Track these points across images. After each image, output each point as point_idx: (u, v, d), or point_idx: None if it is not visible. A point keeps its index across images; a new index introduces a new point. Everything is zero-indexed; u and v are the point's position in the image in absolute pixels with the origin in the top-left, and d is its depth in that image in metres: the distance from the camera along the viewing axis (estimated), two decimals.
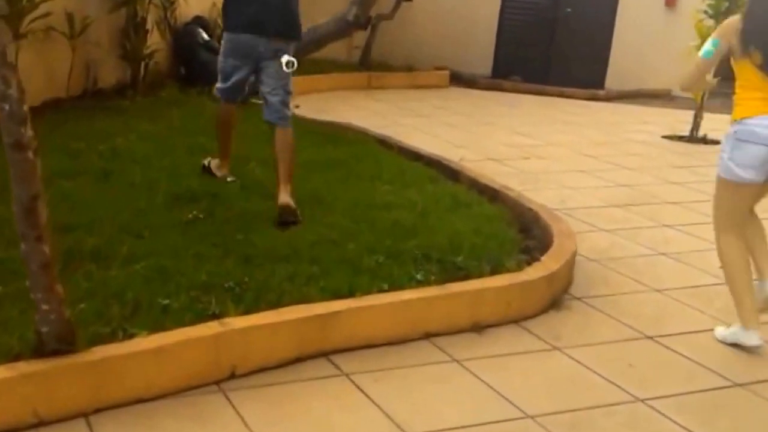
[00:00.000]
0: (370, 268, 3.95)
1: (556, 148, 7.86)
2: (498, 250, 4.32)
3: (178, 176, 5.19)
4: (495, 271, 4.07)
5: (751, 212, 3.91)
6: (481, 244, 4.37)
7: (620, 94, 11.92)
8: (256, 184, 5.19)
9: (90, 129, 6.19)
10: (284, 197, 4.64)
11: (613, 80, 12.33)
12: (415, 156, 6.42)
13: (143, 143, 5.90)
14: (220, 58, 5.09)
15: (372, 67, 11.57)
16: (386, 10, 11.36)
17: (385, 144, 6.76)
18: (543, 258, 4.23)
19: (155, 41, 8.19)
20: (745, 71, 3.73)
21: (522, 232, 4.83)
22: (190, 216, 4.48)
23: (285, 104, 5.07)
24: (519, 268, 4.13)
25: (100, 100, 7.37)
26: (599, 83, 12.29)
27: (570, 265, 4.34)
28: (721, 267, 3.94)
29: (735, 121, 3.74)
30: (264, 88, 5.03)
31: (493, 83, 12.22)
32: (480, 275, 4.00)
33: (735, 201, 3.81)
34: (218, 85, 5.22)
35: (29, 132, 2.75)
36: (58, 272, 3.61)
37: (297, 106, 8.06)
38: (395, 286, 3.78)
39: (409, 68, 11.83)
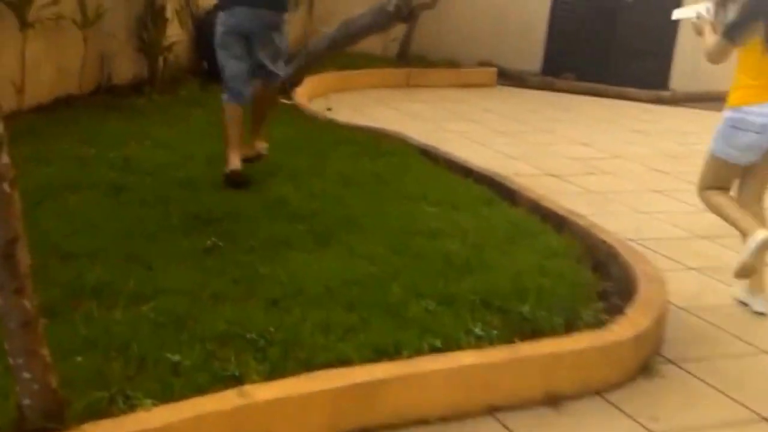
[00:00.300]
0: (419, 318, 3.52)
1: (624, 162, 7.36)
2: (571, 296, 3.86)
3: (195, 191, 4.80)
4: (570, 325, 3.61)
5: (759, 205, 4.32)
6: (550, 287, 3.91)
7: (688, 96, 11.31)
8: (282, 202, 4.77)
9: (101, 132, 5.83)
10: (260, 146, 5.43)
11: (678, 79, 11.72)
12: (465, 171, 5.97)
13: (158, 151, 5.53)
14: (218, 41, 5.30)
15: (411, 62, 11.09)
16: None
17: (429, 155, 6.32)
18: (628, 310, 3.75)
19: (175, 32, 7.83)
20: (747, 57, 4.09)
21: (596, 270, 4.37)
22: (208, 243, 4.08)
23: (281, 67, 5.51)
24: (599, 322, 3.66)
25: (114, 98, 7.02)
26: (662, 82, 11.72)
27: (661, 319, 3.86)
28: (714, 213, 4.36)
29: (731, 107, 4.15)
30: (259, 54, 5.29)
31: (543, 82, 11.71)
32: (552, 331, 3.55)
33: (721, 175, 4.30)
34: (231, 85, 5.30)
35: (5, 159, 2.34)
36: (56, 311, 3.28)
37: (329, 109, 7.70)
38: (450, 344, 3.34)
39: (452, 64, 11.35)
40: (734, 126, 4.11)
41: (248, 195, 4.85)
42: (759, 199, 4.36)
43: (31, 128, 5.68)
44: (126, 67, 7.43)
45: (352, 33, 7.23)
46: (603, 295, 4.02)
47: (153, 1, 7.35)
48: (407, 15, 7.06)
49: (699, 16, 4.41)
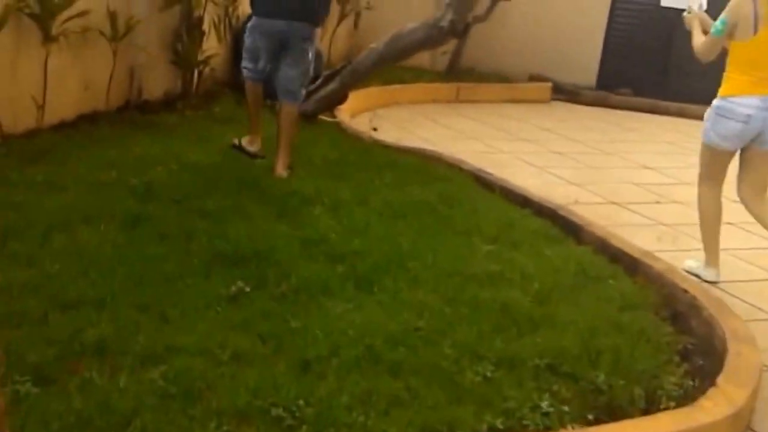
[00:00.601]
0: (476, 388, 2.99)
1: (693, 189, 6.69)
2: (652, 359, 3.30)
3: (222, 222, 4.32)
4: (651, 398, 3.05)
5: (765, 192, 4.55)
6: (627, 348, 3.36)
7: None
8: (320, 238, 4.26)
9: (125, 153, 5.38)
10: (279, 169, 5.34)
11: None
12: (523, 200, 5.41)
13: (185, 176, 5.06)
14: (247, 38, 5.65)
15: (461, 75, 10.56)
16: (479, 10, 10.38)
17: (482, 182, 5.77)
18: (719, 380, 3.17)
19: (212, 44, 7.38)
20: (741, 52, 4.32)
21: (674, 322, 3.79)
22: (233, 289, 3.58)
23: (296, 82, 5.56)
24: (685, 393, 3.09)
25: (143, 115, 6.59)
26: None
27: (757, 390, 3.26)
28: (699, 212, 4.66)
29: (720, 97, 4.38)
30: (283, 62, 5.51)
31: (599, 97, 11.07)
32: (631, 404, 3.00)
33: (713, 162, 4.55)
34: (245, 64, 5.69)
35: None
36: (50, 377, 2.79)
37: (375, 129, 7.19)
38: (512, 423, 2.80)
39: (504, 78, 10.79)
40: (721, 114, 4.37)
41: (282, 229, 4.34)
42: (761, 192, 4.59)
43: (51, 148, 5.27)
44: (158, 82, 7.00)
45: (401, 49, 6.70)
46: (684, 354, 3.44)
47: (189, 12, 6.89)
48: (462, 31, 6.52)
49: (690, 11, 4.66)
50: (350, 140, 6.60)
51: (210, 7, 7.19)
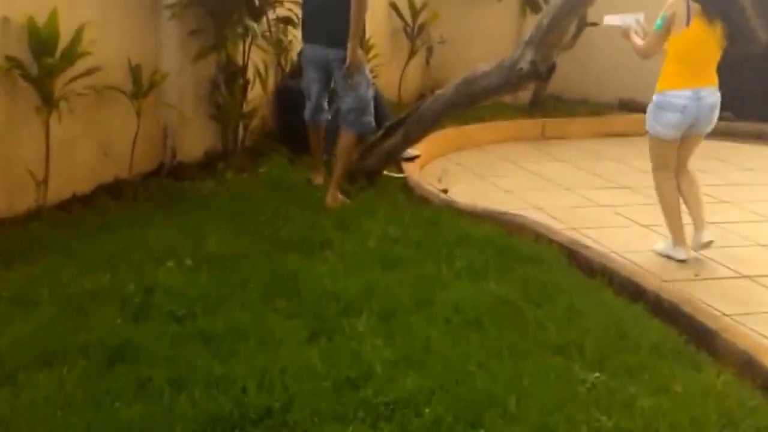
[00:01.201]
0: None
1: None
2: None
3: (229, 359, 3.11)
4: None
5: (685, 167, 4.92)
6: None
7: None
8: (361, 374, 3.02)
9: (134, 242, 4.26)
10: (328, 200, 5.16)
11: None
12: (634, 290, 4.06)
13: (201, 276, 3.87)
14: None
15: (546, 109, 9.18)
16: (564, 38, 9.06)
17: (579, 261, 4.44)
18: None
19: (258, 94, 6.25)
20: (676, 46, 4.60)
21: None
22: None
23: (352, 111, 5.30)
24: None
25: (177, 181, 5.50)
26: None
27: None
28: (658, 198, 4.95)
29: (658, 92, 4.70)
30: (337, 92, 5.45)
31: None
32: None
33: (662, 151, 4.86)
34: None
35: None
36: None
37: (445, 192, 5.92)
38: None
39: (595, 109, 9.37)
40: (661, 107, 4.64)
41: (312, 360, 3.11)
42: (683, 165, 4.90)
43: (43, 238, 4.22)
44: (196, 141, 5.90)
45: (473, 95, 5.44)
46: None
47: (229, 59, 5.77)
48: (547, 73, 5.21)
49: (626, 27, 4.92)
50: (416, 206, 5.34)
51: (255, 52, 6.06)
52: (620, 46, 9.62)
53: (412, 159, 6.27)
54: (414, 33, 8.63)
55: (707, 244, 4.78)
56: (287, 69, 6.65)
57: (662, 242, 4.91)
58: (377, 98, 6.58)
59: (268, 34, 6.07)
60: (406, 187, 5.78)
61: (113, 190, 5.19)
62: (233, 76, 5.84)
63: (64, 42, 4.51)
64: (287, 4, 6.10)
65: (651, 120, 4.76)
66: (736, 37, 4.54)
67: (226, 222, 4.70)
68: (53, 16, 4.43)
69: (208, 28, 5.64)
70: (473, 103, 5.68)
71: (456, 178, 6.61)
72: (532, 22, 9.02)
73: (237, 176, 5.67)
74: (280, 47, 6.31)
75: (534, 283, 4.00)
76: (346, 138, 5.34)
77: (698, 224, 4.82)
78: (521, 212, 5.47)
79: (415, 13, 8.60)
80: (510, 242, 4.61)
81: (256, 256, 4.16)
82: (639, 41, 4.81)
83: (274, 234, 4.49)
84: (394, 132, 5.82)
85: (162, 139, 5.70)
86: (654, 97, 4.71)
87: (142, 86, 5.18)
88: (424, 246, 4.46)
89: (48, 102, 4.51)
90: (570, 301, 3.82)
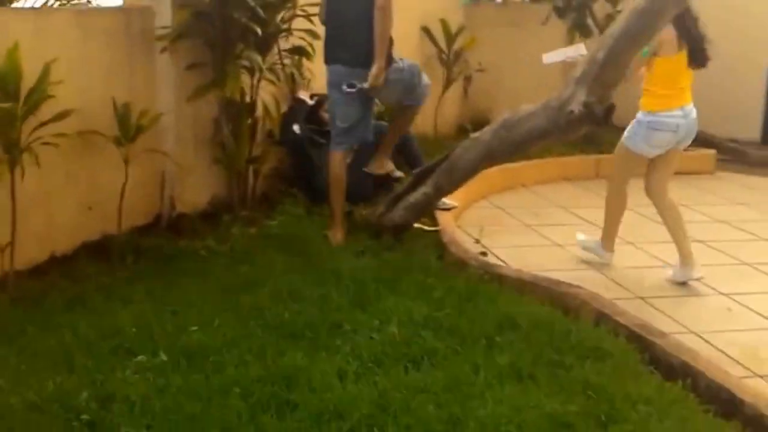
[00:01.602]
0: None
1: None
2: None
3: None
4: None
5: (667, 194, 4.88)
6: None
7: None
8: None
9: (101, 324, 3.48)
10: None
11: None
12: (728, 402, 3.13)
13: (171, 379, 3.04)
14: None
15: (600, 142, 8.21)
16: None
17: (654, 357, 3.51)
18: None
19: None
20: (665, 70, 4.62)
21: None
22: None
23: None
24: None
25: (175, 235, 4.75)
26: None
27: None
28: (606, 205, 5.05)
29: (649, 112, 4.68)
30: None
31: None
32: None
33: (632, 165, 4.87)
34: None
35: None
36: None
37: (484, 255, 5.03)
38: None
39: None
40: (654, 128, 4.67)
41: None
42: (665, 185, 4.89)
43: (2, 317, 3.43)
44: (198, 189, 5.12)
45: (515, 141, 4.56)
46: None
47: (233, 98, 4.94)
48: (604, 116, 4.32)
49: (572, 60, 4.92)
50: (450, 270, 4.47)
51: (267, 87, 5.27)
52: None
53: (447, 209, 5.41)
54: (450, 60, 7.78)
55: (697, 280, 4.75)
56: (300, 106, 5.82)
57: (584, 235, 5.16)
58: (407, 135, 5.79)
59: (279, 66, 5.26)
60: (439, 244, 4.91)
61: (99, 249, 4.44)
62: (238, 115, 5.03)
63: (30, 82, 3.77)
64: (299, 33, 5.27)
65: (638, 139, 4.73)
66: (696, 58, 4.69)
67: (220, 297, 3.88)
68: (13, 52, 3.68)
69: (207, 61, 4.86)
70: (515, 151, 4.81)
71: (498, 227, 5.72)
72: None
73: (244, 231, 4.86)
74: (293, 82, 5.49)
75: (597, 390, 3.10)
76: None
77: (688, 258, 4.77)
78: (577, 275, 4.59)
79: (450, 38, 7.76)
80: (565, 326, 3.70)
81: (248, 348, 3.32)
82: None
83: (275, 315, 3.65)
84: (423, 181, 4.97)
85: (159, 187, 4.93)
86: (643, 118, 4.71)
87: (129, 130, 4.41)
88: (457, 333, 3.57)
89: (11, 152, 3.75)
90: (645, 421, 2.91)
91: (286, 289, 3.96)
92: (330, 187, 4.93)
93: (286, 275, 4.17)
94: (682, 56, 4.65)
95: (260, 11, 4.70)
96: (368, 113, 4.96)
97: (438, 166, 4.92)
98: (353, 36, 4.70)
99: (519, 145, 4.61)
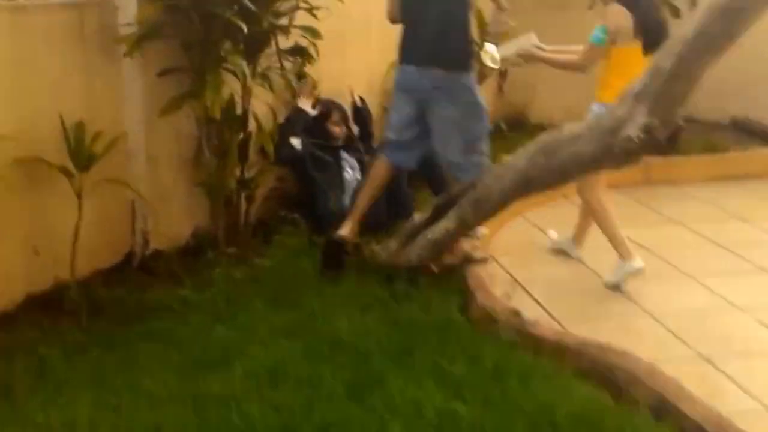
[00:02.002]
0: None
1: None
2: None
3: None
4: None
5: (597, 194, 4.48)
6: None
7: None
8: None
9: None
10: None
11: None
12: None
13: None
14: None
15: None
16: None
17: None
18: None
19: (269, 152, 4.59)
20: (622, 57, 4.24)
21: None
22: None
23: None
24: None
25: (142, 281, 3.94)
26: None
27: None
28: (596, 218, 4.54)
29: (606, 104, 4.01)
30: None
31: None
32: None
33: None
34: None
35: None
36: None
37: (517, 314, 4.10)
38: None
39: (710, 147, 7.38)
40: None
41: None
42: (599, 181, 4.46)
43: None
44: (177, 219, 4.30)
45: (556, 169, 3.63)
46: None
47: (218, 111, 4.04)
48: (669, 141, 3.38)
49: (525, 50, 4.42)
50: (474, 331, 3.60)
51: (262, 93, 4.40)
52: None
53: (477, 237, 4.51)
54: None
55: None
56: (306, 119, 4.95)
57: (618, 267, 4.42)
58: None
59: (277, 70, 4.40)
60: (462, 292, 4.03)
61: (49, 302, 3.65)
62: (225, 130, 4.19)
63: None
64: (296, 29, 4.40)
65: None
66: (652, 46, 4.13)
67: (182, 380, 3.06)
68: None
69: (185, 66, 4.02)
70: (557, 181, 3.88)
71: (534, 253, 4.88)
72: None
73: (229, 273, 4.03)
74: (292, 89, 4.63)
75: None
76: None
77: (626, 254, 4.41)
78: (626, 321, 3.86)
79: (483, 26, 6.82)
80: (617, 422, 2.83)
81: None
82: (566, 56, 4.51)
83: (245, 412, 2.82)
84: (445, 213, 4.08)
85: (130, 220, 4.12)
86: (599, 110, 4.20)
87: (81, 156, 3.59)
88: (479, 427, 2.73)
89: None
90: None
91: (267, 365, 3.13)
92: (363, 183, 4.39)
93: (271, 342, 3.34)
94: (638, 44, 4.27)
95: (249, 4, 3.83)
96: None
97: (463, 195, 4.03)
98: (442, 30, 4.08)
99: (561, 174, 3.70)
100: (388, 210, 4.73)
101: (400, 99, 4.25)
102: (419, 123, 4.22)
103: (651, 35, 4.24)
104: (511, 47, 4.43)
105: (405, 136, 4.27)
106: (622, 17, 4.26)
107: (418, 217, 4.55)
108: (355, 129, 5.22)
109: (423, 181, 5.01)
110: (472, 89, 4.21)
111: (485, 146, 4.32)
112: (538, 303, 4.14)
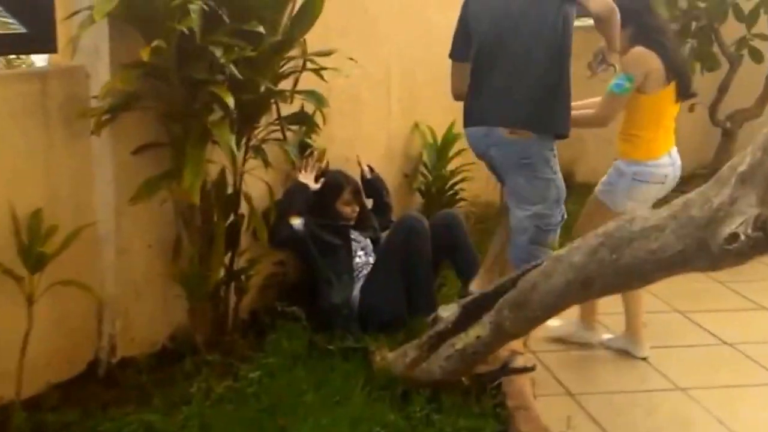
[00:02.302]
0: None
1: None
2: None
3: None
4: None
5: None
6: None
7: None
8: None
9: None
10: None
11: None
12: None
13: None
14: None
15: None
16: (746, 100, 6.48)
17: None
18: None
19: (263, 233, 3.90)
20: (649, 106, 3.85)
21: None
22: None
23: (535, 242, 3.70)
24: None
25: (103, 397, 3.28)
26: None
27: None
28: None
29: (632, 161, 3.90)
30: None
31: None
32: None
33: (599, 223, 3.48)
34: None
35: None
36: None
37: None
38: None
39: None
40: (640, 180, 3.91)
41: None
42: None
43: None
44: (152, 321, 3.61)
45: (628, 268, 2.82)
46: None
47: (197, 199, 3.30)
48: None
49: None
50: None
51: (258, 166, 3.74)
52: None
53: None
54: None
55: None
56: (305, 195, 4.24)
57: (609, 334, 4.26)
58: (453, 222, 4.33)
59: (278, 140, 3.75)
60: (499, 416, 3.29)
61: None
62: (208, 214, 3.52)
63: None
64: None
65: (618, 194, 3.93)
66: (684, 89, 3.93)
67: None
68: None
69: (164, 140, 3.38)
70: (628, 283, 3.10)
71: (585, 355, 4.14)
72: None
73: (209, 388, 3.33)
74: (292, 162, 3.97)
75: None
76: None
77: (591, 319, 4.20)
78: None
79: None
80: None
81: None
82: (579, 112, 3.96)
83: None
84: (477, 316, 3.35)
85: (95, 323, 3.46)
86: (626, 168, 3.93)
87: (33, 252, 2.96)
88: None
89: None
90: None
91: None
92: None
93: None
94: (670, 91, 3.88)
95: (235, 70, 3.18)
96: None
97: (500, 295, 3.29)
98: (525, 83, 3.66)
99: (633, 276, 2.94)
100: (408, 301, 4.06)
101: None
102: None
103: (684, 79, 3.92)
104: None
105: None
106: (651, 60, 3.82)
107: (443, 311, 3.90)
108: (369, 202, 4.54)
109: (445, 257, 4.33)
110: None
111: (551, 237, 3.71)
112: (593, 419, 3.42)
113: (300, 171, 4.06)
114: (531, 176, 3.68)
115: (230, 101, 3.10)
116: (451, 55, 3.94)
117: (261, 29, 3.24)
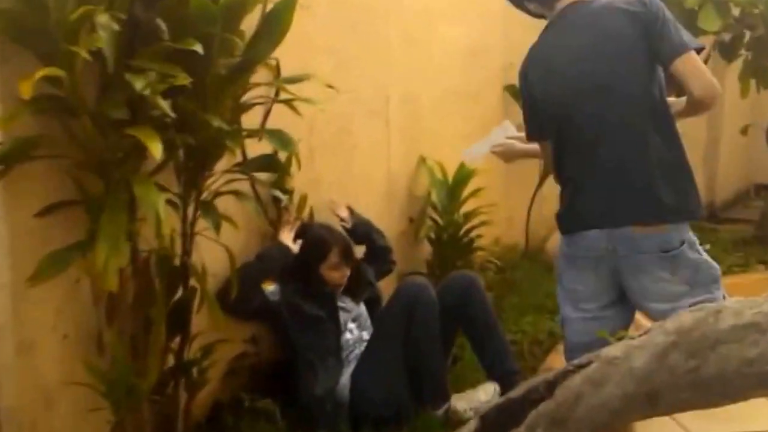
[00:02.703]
0: None
1: None
2: None
3: None
4: None
5: None
6: None
7: None
8: None
9: None
10: None
11: None
12: None
13: None
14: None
15: None
16: None
17: None
18: None
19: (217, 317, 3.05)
20: None
21: None
22: None
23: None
24: None
25: None
26: None
27: None
28: None
29: None
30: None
31: None
32: None
33: None
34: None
35: None
36: None
37: None
38: None
39: None
40: None
41: None
42: None
43: None
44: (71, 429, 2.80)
45: (711, 380, 1.96)
46: None
47: (115, 281, 2.44)
48: None
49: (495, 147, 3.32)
50: None
51: (206, 227, 2.91)
52: None
53: None
54: None
55: None
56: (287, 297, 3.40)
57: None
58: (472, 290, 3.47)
59: (236, 191, 2.92)
60: None
61: None
62: (143, 295, 2.69)
63: None
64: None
65: None
66: None
67: None
68: None
69: (78, 198, 2.58)
70: (708, 402, 2.22)
71: None
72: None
73: None
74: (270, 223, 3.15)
75: None
76: None
77: None
78: None
79: None
80: None
81: None
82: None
83: None
84: (500, 428, 2.49)
85: None
86: None
87: None
88: None
89: None
90: None
91: None
92: None
93: None
94: None
95: (165, 106, 2.36)
96: None
97: (531, 403, 2.42)
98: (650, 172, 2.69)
99: (720, 390, 2.08)
100: (412, 390, 3.22)
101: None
102: None
103: None
104: (484, 146, 3.40)
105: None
106: None
107: (457, 401, 3.09)
108: (359, 250, 3.70)
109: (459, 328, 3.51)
110: None
111: None
112: None
113: (275, 229, 3.23)
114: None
115: (156, 148, 2.27)
116: (529, 136, 3.01)
117: (198, 48, 2.42)
